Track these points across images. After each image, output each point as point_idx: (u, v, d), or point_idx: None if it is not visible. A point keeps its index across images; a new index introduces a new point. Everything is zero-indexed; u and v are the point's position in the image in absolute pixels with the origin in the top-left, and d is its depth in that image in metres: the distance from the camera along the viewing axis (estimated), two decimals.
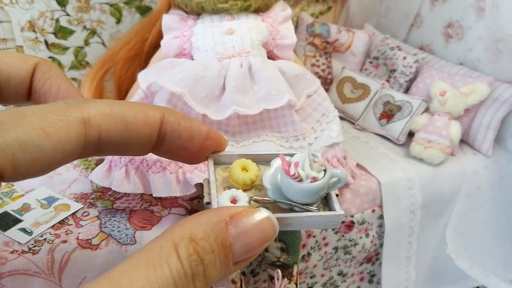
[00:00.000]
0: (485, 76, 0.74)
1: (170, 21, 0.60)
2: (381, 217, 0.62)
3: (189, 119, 0.22)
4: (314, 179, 0.27)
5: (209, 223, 0.13)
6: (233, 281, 0.50)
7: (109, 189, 0.56)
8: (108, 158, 0.56)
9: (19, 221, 0.52)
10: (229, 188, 0.29)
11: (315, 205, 0.28)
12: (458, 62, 0.83)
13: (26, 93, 0.20)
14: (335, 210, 0.28)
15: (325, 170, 0.28)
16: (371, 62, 0.87)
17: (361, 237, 0.61)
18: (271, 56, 0.63)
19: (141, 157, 0.54)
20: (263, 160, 0.32)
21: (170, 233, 0.14)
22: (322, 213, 0.28)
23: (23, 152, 0.15)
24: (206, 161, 0.29)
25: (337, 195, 0.30)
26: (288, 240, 0.52)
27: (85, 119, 0.18)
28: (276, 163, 0.29)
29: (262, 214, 0.16)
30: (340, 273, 0.64)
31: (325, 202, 0.30)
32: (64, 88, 0.20)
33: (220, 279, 0.13)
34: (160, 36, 0.62)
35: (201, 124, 0.23)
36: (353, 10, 0.96)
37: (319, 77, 0.88)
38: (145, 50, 0.65)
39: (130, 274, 0.14)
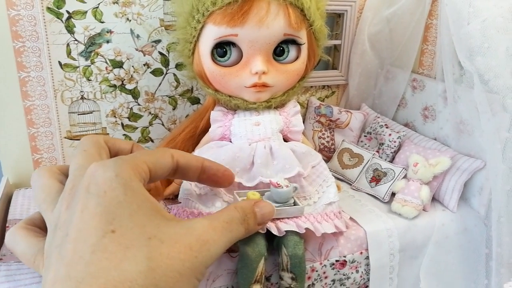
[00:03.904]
0: (450, 150, 0.97)
1: (216, 115, 0.87)
2: (367, 258, 0.83)
3: (214, 163, 0.37)
4: (286, 186, 0.65)
5: (248, 203, 0.29)
6: None
7: None
8: (173, 211, 0.80)
9: None
10: None
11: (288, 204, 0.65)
12: (433, 137, 1.06)
13: (197, 176, 0.35)
14: (299, 205, 0.64)
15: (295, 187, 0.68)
16: (365, 136, 1.12)
17: (352, 273, 0.83)
18: (285, 139, 0.88)
19: (197, 212, 0.78)
20: (262, 191, 0.67)
21: (235, 203, 0.29)
22: (293, 206, 0.67)
23: (155, 165, 0.28)
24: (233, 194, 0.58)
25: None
26: (297, 271, 0.74)
27: (172, 155, 0.31)
28: (267, 193, 0.66)
29: (269, 202, 0.32)
30: None
31: (294, 203, 0.67)
32: (213, 165, 0.35)
33: (252, 230, 0.27)
34: (208, 124, 0.89)
35: (220, 165, 0.38)
36: (352, 93, 1.21)
37: (325, 147, 1.13)
38: (197, 134, 0.91)
39: (187, 222, 0.25)
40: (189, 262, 0.21)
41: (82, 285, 0.19)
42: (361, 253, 0.83)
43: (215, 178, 0.34)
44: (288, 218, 0.76)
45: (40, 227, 0.27)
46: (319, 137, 1.13)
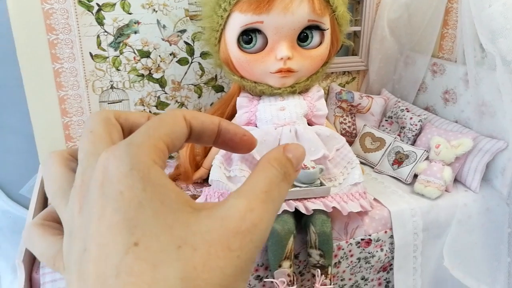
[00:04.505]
0: (472, 132, 0.98)
1: (242, 101, 0.90)
2: (391, 236, 0.86)
3: (233, 124, 0.28)
4: (313, 168, 0.71)
5: (278, 151, 0.22)
6: (289, 275, 0.75)
7: None
8: (204, 193, 0.84)
9: None
10: None
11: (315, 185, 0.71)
12: (454, 120, 1.08)
13: (213, 140, 0.26)
14: (325, 186, 0.67)
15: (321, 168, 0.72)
16: (386, 120, 1.13)
17: (377, 251, 0.85)
18: (310, 123, 0.90)
19: (227, 193, 0.81)
20: None
21: (261, 161, 0.22)
22: (320, 187, 0.74)
23: (171, 138, 0.21)
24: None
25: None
26: (324, 248, 0.77)
27: (185, 117, 0.24)
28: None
29: (296, 143, 0.26)
30: (363, 278, 0.87)
31: (321, 184, 0.73)
32: (231, 128, 0.27)
33: (293, 179, 0.22)
34: (234, 110, 0.92)
35: (239, 128, 0.28)
36: (372, 79, 1.23)
37: (346, 132, 1.15)
38: None
39: (217, 208, 0.19)
40: (230, 267, 0.17)
41: None
42: (386, 232, 0.85)
43: (232, 144, 0.27)
44: (315, 198, 0.79)
45: (58, 221, 0.24)
46: (341, 123, 1.15)
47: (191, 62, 1.05)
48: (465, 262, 0.91)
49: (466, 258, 0.91)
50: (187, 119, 0.22)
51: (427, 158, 0.98)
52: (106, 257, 0.17)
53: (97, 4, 0.94)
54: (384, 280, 0.90)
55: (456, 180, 0.98)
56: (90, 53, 0.96)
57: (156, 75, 1.03)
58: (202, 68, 1.06)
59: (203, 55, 1.04)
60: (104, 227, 0.17)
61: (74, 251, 0.18)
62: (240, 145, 0.27)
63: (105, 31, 0.96)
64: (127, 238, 0.17)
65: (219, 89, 1.09)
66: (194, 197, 0.89)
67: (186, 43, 1.03)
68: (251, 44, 0.83)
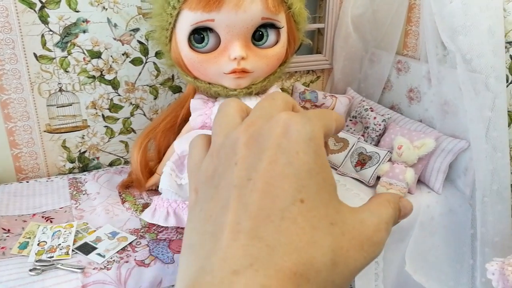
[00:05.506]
0: (435, 132, 0.96)
1: (196, 103, 0.85)
2: None
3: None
4: None
5: (396, 197, 0.23)
6: None
7: (154, 225, 0.80)
8: (154, 203, 0.79)
9: (95, 248, 0.75)
10: None
11: None
12: (418, 119, 1.06)
13: None
14: None
15: None
16: (351, 120, 1.11)
17: None
18: None
19: (178, 202, 0.77)
20: None
21: (383, 197, 0.23)
22: None
23: (327, 129, 0.22)
24: None
25: None
26: None
27: (336, 119, 0.24)
28: None
29: (409, 201, 0.25)
30: None
31: None
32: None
33: (396, 223, 0.23)
34: (188, 113, 0.87)
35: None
36: (337, 77, 1.20)
37: None
38: (178, 123, 0.89)
39: (359, 213, 0.21)
40: (360, 262, 0.19)
41: (275, 253, 0.17)
42: None
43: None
44: None
45: None
46: None
47: (146, 62, 1.00)
48: (427, 265, 0.89)
49: (428, 261, 0.89)
50: (337, 118, 0.24)
51: (390, 159, 0.95)
52: (273, 197, 0.18)
53: (40, 1, 0.88)
54: None
55: (419, 181, 0.96)
56: (35, 53, 0.90)
57: (108, 77, 0.98)
58: (157, 68, 1.01)
59: (158, 54, 1.00)
60: (276, 172, 0.19)
61: (235, 175, 0.19)
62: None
63: (50, 30, 0.90)
64: (295, 191, 0.18)
65: (177, 89, 1.05)
66: (146, 205, 0.85)
67: (139, 42, 0.98)
68: (203, 44, 0.79)
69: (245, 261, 0.17)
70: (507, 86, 0.85)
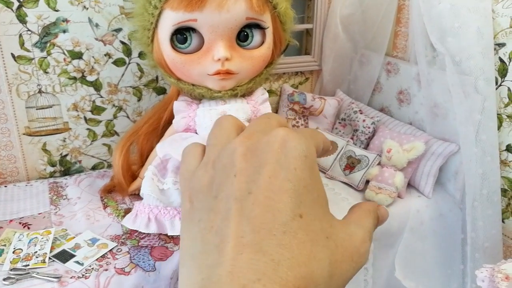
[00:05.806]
0: (425, 135, 0.95)
1: (179, 106, 0.82)
2: None
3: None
4: None
5: (373, 206, 0.25)
6: None
7: (135, 231, 0.77)
8: (135, 208, 0.77)
9: (73, 256, 0.72)
10: None
11: None
12: (408, 121, 1.04)
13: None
14: None
15: None
16: (340, 123, 1.09)
17: None
18: None
19: (159, 208, 0.74)
20: None
21: (363, 207, 0.25)
22: None
23: (318, 147, 0.24)
24: None
25: None
26: None
27: (324, 141, 0.26)
28: None
29: (386, 209, 0.26)
30: None
31: None
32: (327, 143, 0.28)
33: (375, 229, 0.24)
34: (172, 115, 0.84)
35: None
36: (326, 79, 1.18)
37: None
38: (161, 125, 0.87)
39: (347, 225, 0.22)
40: (350, 273, 0.20)
41: (279, 268, 0.17)
42: None
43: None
44: None
45: None
46: (293, 125, 1.10)
47: (129, 63, 0.97)
48: (417, 271, 0.87)
49: (418, 267, 0.88)
50: (325, 141, 0.25)
51: (379, 163, 0.93)
52: (275, 212, 0.19)
53: (18, 0, 0.85)
54: None
55: (409, 185, 0.94)
56: (12, 54, 0.87)
57: (90, 78, 0.95)
58: (141, 69, 0.98)
59: (141, 55, 0.97)
60: (275, 186, 0.19)
61: (234, 187, 0.20)
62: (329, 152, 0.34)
63: (29, 30, 0.87)
64: (295, 206, 0.19)
65: (161, 91, 1.02)
66: (128, 210, 0.82)
67: (122, 42, 0.95)
68: (186, 44, 0.76)
69: (253, 276, 0.17)
70: (496, 89, 0.84)
